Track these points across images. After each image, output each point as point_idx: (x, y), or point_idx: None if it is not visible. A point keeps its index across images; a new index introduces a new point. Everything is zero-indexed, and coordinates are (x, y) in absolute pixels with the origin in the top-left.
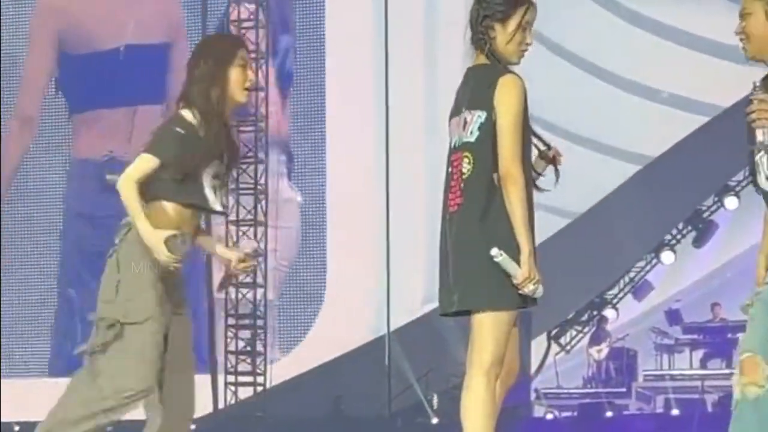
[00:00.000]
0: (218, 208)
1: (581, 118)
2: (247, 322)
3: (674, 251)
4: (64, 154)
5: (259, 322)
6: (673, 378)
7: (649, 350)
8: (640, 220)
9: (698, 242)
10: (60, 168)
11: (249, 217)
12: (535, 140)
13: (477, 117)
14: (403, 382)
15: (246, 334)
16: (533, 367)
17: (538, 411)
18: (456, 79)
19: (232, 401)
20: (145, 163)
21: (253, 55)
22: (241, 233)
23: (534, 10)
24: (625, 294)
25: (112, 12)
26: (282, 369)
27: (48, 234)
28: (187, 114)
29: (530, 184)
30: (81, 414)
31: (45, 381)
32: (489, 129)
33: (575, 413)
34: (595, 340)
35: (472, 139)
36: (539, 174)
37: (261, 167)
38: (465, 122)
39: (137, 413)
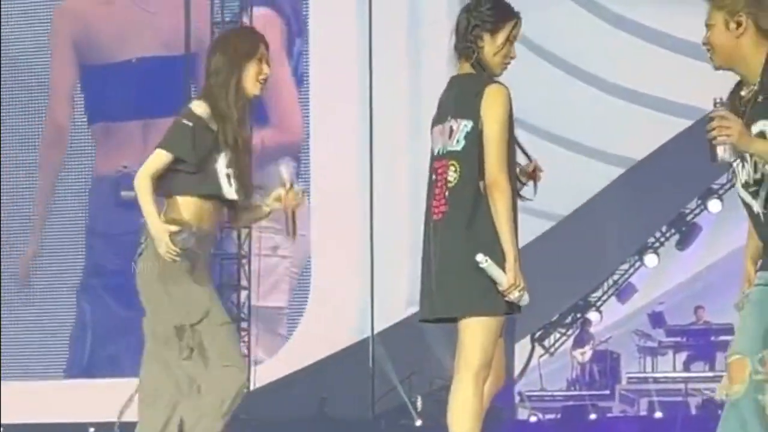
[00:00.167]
0: (233, 196)
1: (565, 121)
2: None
3: (658, 254)
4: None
5: (243, 324)
6: (656, 380)
7: (632, 353)
8: (624, 222)
9: (682, 245)
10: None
11: None
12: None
13: (463, 126)
14: (386, 384)
15: None
16: (517, 370)
17: (522, 413)
18: (440, 80)
19: None
20: (157, 158)
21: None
22: (224, 235)
23: (520, 25)
24: (609, 296)
25: (128, 23)
26: (266, 371)
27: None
28: (196, 107)
29: (515, 192)
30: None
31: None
32: (475, 138)
33: (559, 415)
34: (579, 343)
35: (459, 148)
36: (523, 184)
37: None
38: (451, 130)
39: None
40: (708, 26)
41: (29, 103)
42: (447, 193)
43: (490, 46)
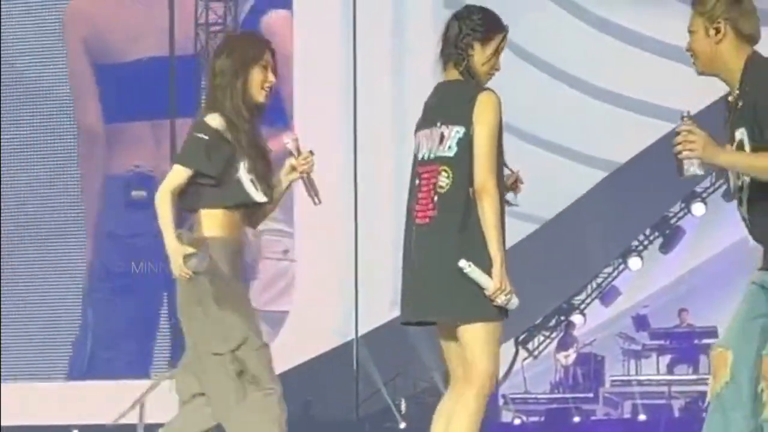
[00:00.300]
0: (263, 199)
1: (548, 124)
2: None
3: (641, 257)
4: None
5: None
6: (640, 383)
7: (616, 356)
8: (608, 225)
9: (665, 248)
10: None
11: None
12: None
13: (455, 132)
14: (371, 386)
15: None
16: (501, 373)
17: (506, 416)
18: (423, 84)
19: None
20: (177, 174)
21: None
22: None
23: (507, 38)
24: (593, 299)
25: (138, 22)
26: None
27: (52, 240)
28: (211, 119)
29: (502, 198)
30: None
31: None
32: (467, 144)
33: (543, 418)
34: (563, 346)
35: (451, 154)
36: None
37: None
38: (442, 136)
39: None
40: (690, 32)
41: (29, 104)
42: (436, 198)
43: (480, 56)
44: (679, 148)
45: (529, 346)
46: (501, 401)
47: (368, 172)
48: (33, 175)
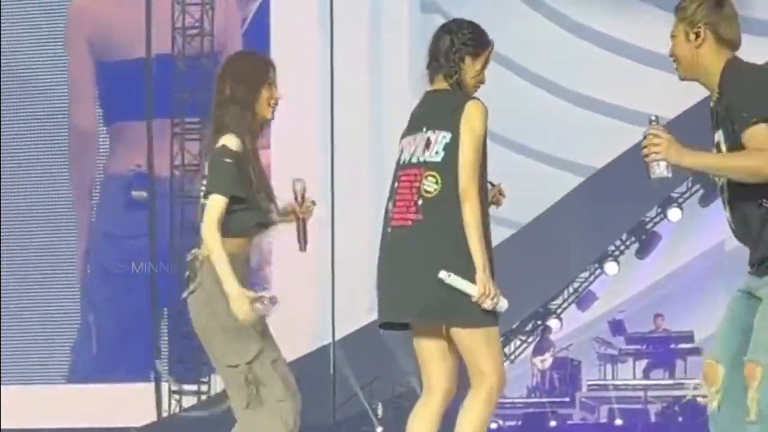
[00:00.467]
0: (276, 219)
1: (525, 129)
2: (191, 329)
3: (618, 262)
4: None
5: None
6: (616, 388)
7: (592, 360)
8: (584, 230)
9: (641, 253)
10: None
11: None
12: None
13: (442, 137)
14: (347, 390)
15: (190, 342)
16: None
17: None
18: (400, 84)
19: (176, 409)
20: (217, 204)
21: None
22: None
23: (493, 51)
24: (569, 304)
25: (140, 20)
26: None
27: (52, 239)
28: (230, 142)
29: (486, 203)
30: None
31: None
32: (454, 149)
33: (519, 423)
34: (539, 350)
35: (438, 159)
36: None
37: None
38: (428, 141)
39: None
40: (672, 37)
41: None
42: (421, 202)
43: (470, 69)
44: (645, 151)
45: (506, 350)
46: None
47: (345, 176)
48: (31, 178)
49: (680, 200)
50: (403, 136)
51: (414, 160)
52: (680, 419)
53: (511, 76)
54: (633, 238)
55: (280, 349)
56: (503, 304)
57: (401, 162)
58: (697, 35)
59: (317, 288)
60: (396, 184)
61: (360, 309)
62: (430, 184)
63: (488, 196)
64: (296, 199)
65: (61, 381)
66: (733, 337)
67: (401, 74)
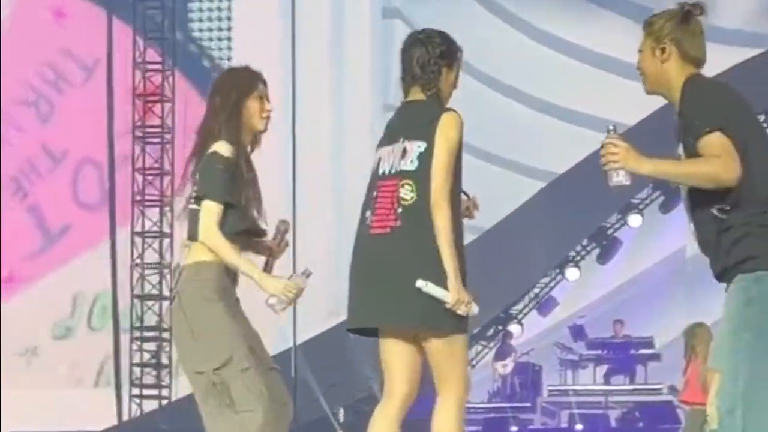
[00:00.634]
0: (264, 226)
1: (486, 134)
2: (152, 334)
3: (579, 267)
4: None
5: (165, 335)
6: (577, 393)
7: (553, 365)
8: (545, 236)
9: (602, 259)
10: None
11: (155, 228)
12: None
13: (417, 147)
14: (308, 395)
15: (151, 346)
16: None
17: None
18: (361, 90)
19: (137, 414)
20: (212, 211)
21: (158, 63)
22: (146, 245)
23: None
24: (530, 309)
25: None
26: (187, 382)
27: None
28: (221, 148)
29: (459, 212)
30: None
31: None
32: (429, 158)
33: (480, 427)
34: (500, 355)
35: (412, 168)
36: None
37: (167, 179)
38: (404, 151)
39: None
40: (639, 52)
41: None
42: (399, 210)
43: (447, 79)
44: (603, 160)
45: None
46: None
47: (306, 181)
48: None
49: (641, 206)
50: (380, 146)
51: (392, 171)
52: (640, 424)
53: (472, 82)
54: (594, 244)
55: (265, 359)
56: (475, 309)
57: (380, 173)
58: (663, 50)
59: None
60: (375, 193)
61: (321, 314)
62: (407, 192)
63: (461, 205)
64: (275, 237)
65: (23, 385)
66: (715, 347)
67: (363, 79)
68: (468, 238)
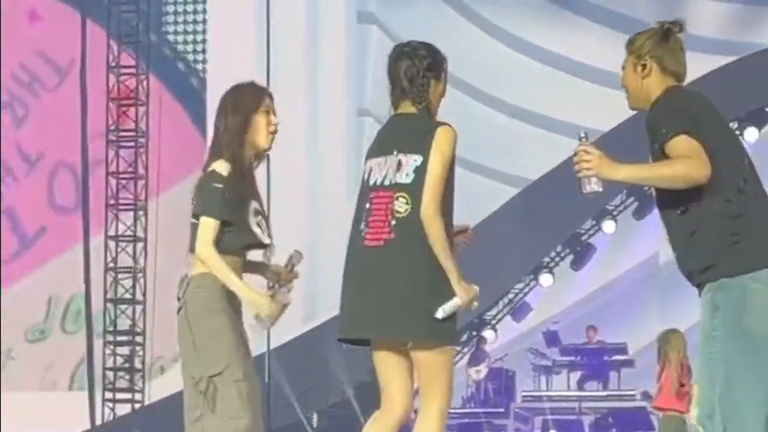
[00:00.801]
0: (267, 241)
1: (461, 140)
2: (125, 338)
3: (553, 273)
4: None
5: (138, 339)
6: (550, 399)
7: (527, 371)
8: (519, 242)
9: (576, 265)
10: None
11: (128, 233)
12: None
13: (413, 160)
14: (282, 400)
15: (124, 350)
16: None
17: None
18: (336, 94)
19: (110, 418)
20: (208, 227)
21: (133, 66)
22: (120, 249)
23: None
24: (504, 315)
25: None
26: (160, 386)
27: None
28: (219, 167)
29: (451, 220)
30: None
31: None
32: (424, 172)
33: None
34: (474, 361)
35: (408, 181)
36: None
37: (141, 183)
38: (399, 164)
39: None
40: (622, 69)
41: None
42: (393, 222)
43: (435, 91)
44: (576, 167)
45: None
46: (412, 415)
47: (281, 186)
48: None
49: (615, 212)
50: (369, 157)
51: (386, 183)
52: (614, 430)
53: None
54: (568, 250)
55: (253, 373)
56: (476, 303)
57: (373, 184)
58: (644, 67)
59: None
60: (368, 206)
61: (295, 319)
62: (401, 205)
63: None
64: (287, 265)
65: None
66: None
67: (337, 84)
68: None
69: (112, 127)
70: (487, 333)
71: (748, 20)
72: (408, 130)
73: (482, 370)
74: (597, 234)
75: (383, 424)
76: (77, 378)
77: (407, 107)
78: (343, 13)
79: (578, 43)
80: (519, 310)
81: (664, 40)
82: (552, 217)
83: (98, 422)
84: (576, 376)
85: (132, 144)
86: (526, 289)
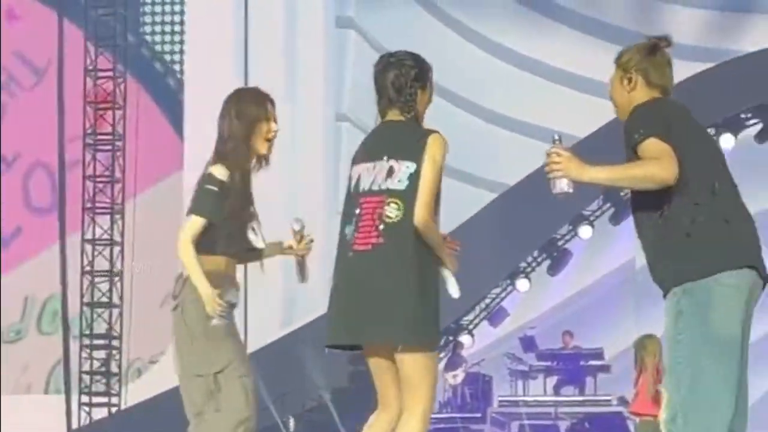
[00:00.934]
0: (261, 245)
1: None
2: (102, 342)
3: (529, 279)
4: None
5: (114, 342)
6: (527, 404)
7: (504, 376)
8: (496, 247)
9: (553, 270)
10: None
11: (105, 236)
12: None
13: (406, 167)
14: (259, 403)
15: (101, 354)
16: None
17: None
18: (314, 99)
19: (86, 422)
20: (193, 224)
21: (110, 70)
22: (96, 252)
23: None
24: (481, 320)
25: None
26: (137, 391)
27: None
28: (217, 171)
29: (439, 223)
30: None
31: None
32: (418, 179)
33: None
34: (451, 366)
35: (401, 187)
36: None
37: (117, 186)
38: (391, 170)
39: None
40: (610, 83)
41: None
42: (382, 227)
43: (422, 100)
44: (547, 168)
45: None
46: None
47: (258, 189)
48: None
49: (591, 218)
50: (356, 163)
51: (375, 188)
52: None
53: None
54: (544, 255)
55: (249, 368)
56: (455, 293)
57: (361, 189)
58: (630, 80)
59: None
60: (358, 211)
61: (272, 323)
62: (392, 210)
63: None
64: (295, 237)
65: None
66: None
67: (316, 88)
68: None
69: (89, 131)
70: (464, 338)
71: (724, 27)
72: (399, 137)
73: (459, 374)
74: (573, 239)
75: (381, 427)
76: (53, 380)
77: (395, 115)
78: (321, 17)
79: (556, 48)
80: (496, 315)
81: (650, 54)
82: (529, 222)
83: (74, 426)
84: (552, 381)
85: (109, 147)
86: (503, 294)
